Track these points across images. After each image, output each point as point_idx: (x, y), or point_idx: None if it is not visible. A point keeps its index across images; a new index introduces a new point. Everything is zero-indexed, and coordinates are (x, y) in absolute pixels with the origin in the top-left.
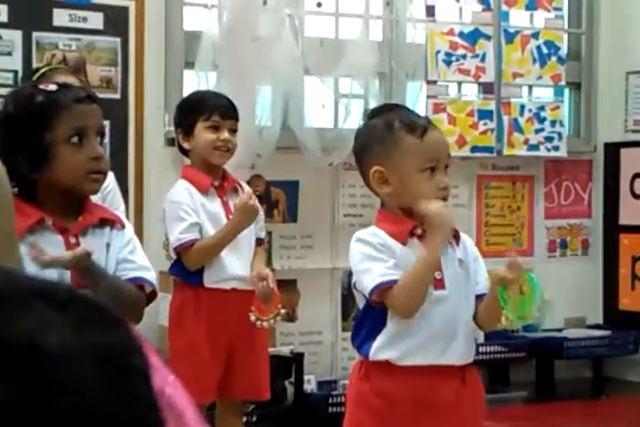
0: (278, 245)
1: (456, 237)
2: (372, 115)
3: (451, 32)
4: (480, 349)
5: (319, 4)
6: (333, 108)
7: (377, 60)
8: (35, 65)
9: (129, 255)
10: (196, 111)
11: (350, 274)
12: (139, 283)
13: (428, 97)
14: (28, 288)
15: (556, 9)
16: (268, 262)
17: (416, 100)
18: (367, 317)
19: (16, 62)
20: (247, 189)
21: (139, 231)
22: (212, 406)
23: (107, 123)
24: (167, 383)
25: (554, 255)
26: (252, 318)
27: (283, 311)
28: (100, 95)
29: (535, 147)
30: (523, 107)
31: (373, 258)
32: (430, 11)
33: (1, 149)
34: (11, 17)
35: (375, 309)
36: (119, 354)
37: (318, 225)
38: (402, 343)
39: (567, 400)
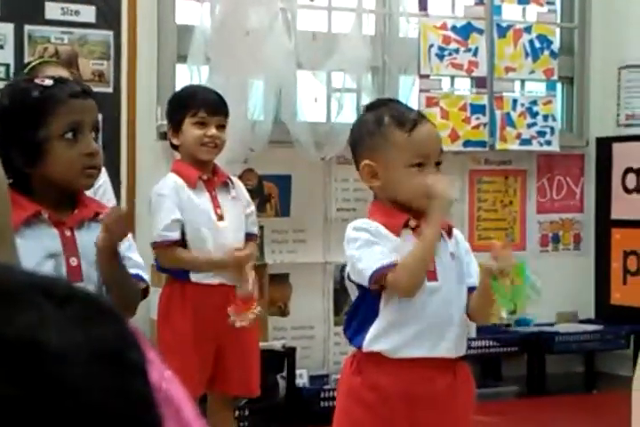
0: (270, 239)
1: (448, 230)
2: (366, 109)
3: (443, 26)
4: (472, 343)
5: None
6: (326, 102)
7: (370, 55)
8: (27, 58)
9: (127, 252)
10: (184, 107)
11: (342, 269)
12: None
13: (421, 91)
14: (28, 284)
15: (548, 3)
16: (261, 257)
17: (409, 94)
18: (360, 307)
19: (8, 56)
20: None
21: (130, 224)
22: (203, 400)
23: (99, 116)
24: (164, 378)
25: (546, 250)
26: (231, 317)
27: (257, 311)
28: (93, 89)
29: (527, 141)
30: (515, 101)
31: (372, 242)
32: (423, 5)
33: None
34: (3, 10)
35: (368, 298)
36: (117, 350)
37: (311, 219)
38: (395, 335)
39: (559, 395)
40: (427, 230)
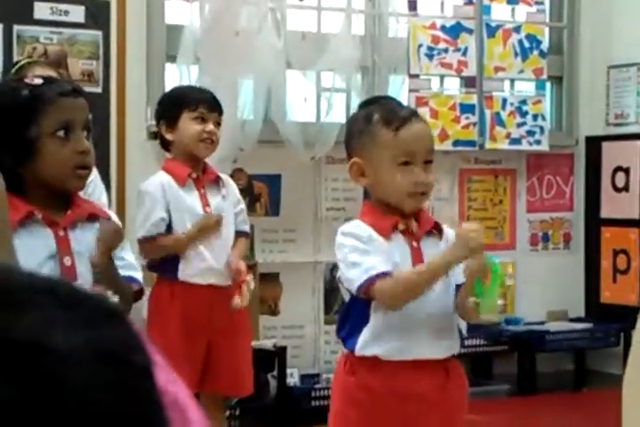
0: (261, 238)
1: (439, 230)
2: (360, 106)
3: (433, 26)
4: (463, 342)
5: None
6: (315, 101)
7: (359, 54)
8: (15, 58)
9: (119, 253)
10: (181, 103)
11: (333, 268)
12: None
13: (411, 91)
14: (32, 285)
15: (537, 3)
16: (251, 256)
17: (398, 93)
18: (351, 311)
19: None
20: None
21: (121, 224)
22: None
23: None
24: (170, 381)
25: (536, 249)
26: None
27: (249, 286)
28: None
29: (517, 141)
30: (505, 101)
31: (361, 251)
32: (412, 5)
33: None
34: None
35: (358, 304)
36: (123, 352)
37: (301, 219)
38: (386, 340)
39: (549, 393)
40: (443, 260)
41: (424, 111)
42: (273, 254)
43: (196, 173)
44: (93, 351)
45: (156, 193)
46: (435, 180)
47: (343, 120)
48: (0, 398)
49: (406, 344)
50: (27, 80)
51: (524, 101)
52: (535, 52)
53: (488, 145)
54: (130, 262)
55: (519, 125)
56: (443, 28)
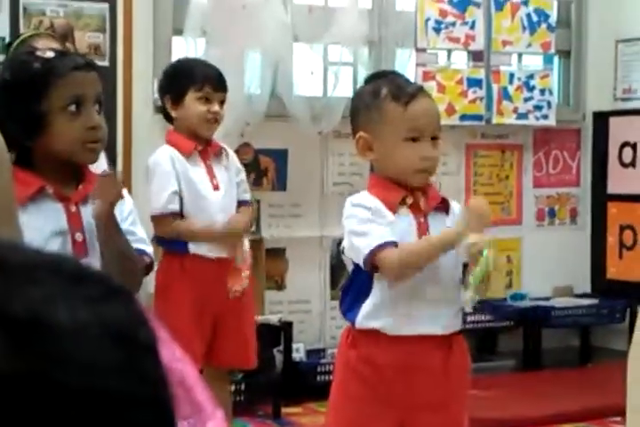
0: (267, 213)
1: (445, 205)
2: (366, 80)
3: None
4: (468, 318)
5: None
6: (322, 75)
7: (366, 28)
8: (22, 31)
9: (130, 227)
10: (187, 80)
11: (339, 243)
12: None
13: (418, 65)
14: (35, 261)
15: None
16: (257, 231)
17: (405, 68)
18: (354, 282)
19: (3, 29)
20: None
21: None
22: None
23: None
24: (175, 358)
25: (542, 224)
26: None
27: (245, 275)
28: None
29: (524, 115)
30: (512, 75)
31: (370, 221)
32: None
33: None
34: None
35: (361, 276)
36: (127, 329)
37: (307, 194)
38: (387, 313)
39: (554, 369)
40: (454, 233)
41: (431, 86)
42: (279, 229)
43: (201, 145)
44: (97, 328)
45: (167, 166)
46: (441, 156)
47: (350, 94)
48: (2, 372)
49: (407, 320)
50: (38, 53)
51: (531, 76)
52: (543, 26)
53: (495, 120)
54: (140, 236)
55: (526, 100)
56: (450, 1)
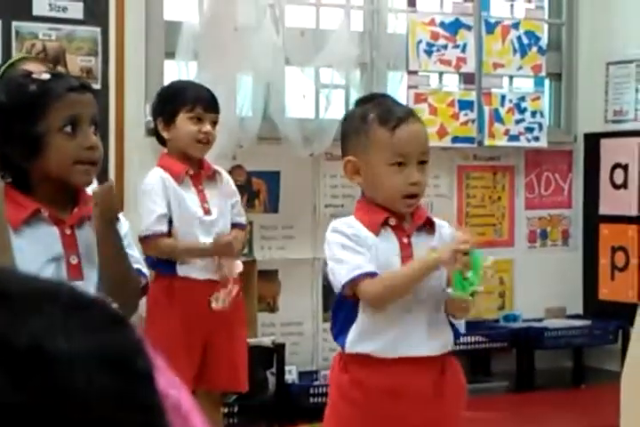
0: (259, 235)
1: (431, 225)
2: (356, 104)
3: (432, 22)
4: (461, 339)
5: None
6: (314, 98)
7: (358, 51)
8: (14, 55)
9: (127, 249)
10: (178, 101)
11: (326, 262)
12: None
13: (409, 87)
14: (34, 290)
15: None
16: (249, 253)
17: (397, 90)
18: (340, 308)
19: None
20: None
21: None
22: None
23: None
24: (172, 385)
25: (534, 246)
26: (212, 303)
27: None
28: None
29: (516, 137)
30: (503, 97)
31: (348, 248)
32: (411, 1)
33: None
34: None
35: (347, 301)
36: (124, 357)
37: (299, 215)
38: (375, 338)
39: (548, 390)
40: (429, 258)
41: (423, 108)
42: (271, 251)
43: (193, 169)
44: (95, 357)
45: (158, 188)
46: (427, 182)
47: (342, 117)
48: (4, 404)
49: (395, 342)
50: (34, 75)
51: (522, 98)
52: (534, 49)
53: (487, 142)
54: (137, 258)
55: (518, 122)
56: (442, 24)
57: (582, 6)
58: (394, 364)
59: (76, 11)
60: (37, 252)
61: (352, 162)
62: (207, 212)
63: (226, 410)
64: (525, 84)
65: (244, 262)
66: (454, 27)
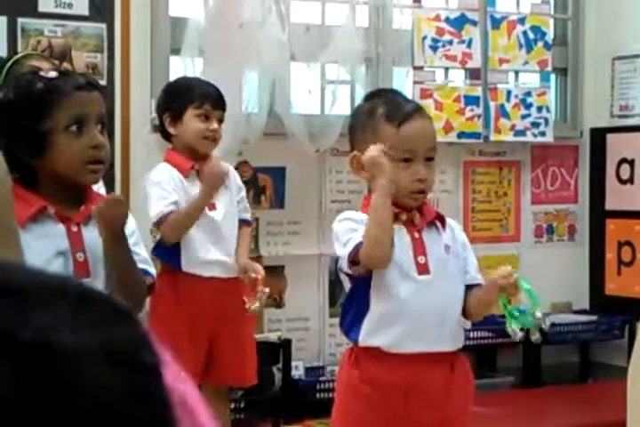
0: (265, 231)
1: (442, 221)
2: (365, 99)
3: (437, 18)
4: (467, 334)
5: None
6: (320, 94)
7: (363, 46)
8: (20, 51)
9: (134, 247)
10: (186, 97)
11: (337, 260)
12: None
13: (415, 83)
14: (41, 284)
15: None
16: (255, 249)
17: (403, 85)
18: (352, 300)
19: (1, 49)
20: (215, 159)
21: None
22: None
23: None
24: (178, 380)
25: (540, 241)
26: (247, 305)
27: (263, 291)
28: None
29: (522, 132)
30: (509, 92)
31: (354, 229)
32: None
33: (1, 136)
34: None
35: (359, 291)
36: (131, 351)
37: (305, 211)
38: (389, 330)
39: (554, 385)
40: (375, 199)
41: (428, 103)
42: (277, 247)
43: (199, 164)
44: (102, 352)
45: (167, 179)
46: (434, 178)
47: (347, 112)
48: (10, 400)
49: (408, 336)
50: (42, 73)
51: (528, 93)
52: (540, 44)
53: (492, 137)
54: (143, 257)
55: (523, 117)
56: (447, 19)
57: (588, 1)
58: (406, 359)
59: (82, 7)
60: (43, 247)
61: (358, 157)
62: (212, 207)
63: (232, 405)
64: (531, 80)
65: (250, 259)
66: (460, 22)
